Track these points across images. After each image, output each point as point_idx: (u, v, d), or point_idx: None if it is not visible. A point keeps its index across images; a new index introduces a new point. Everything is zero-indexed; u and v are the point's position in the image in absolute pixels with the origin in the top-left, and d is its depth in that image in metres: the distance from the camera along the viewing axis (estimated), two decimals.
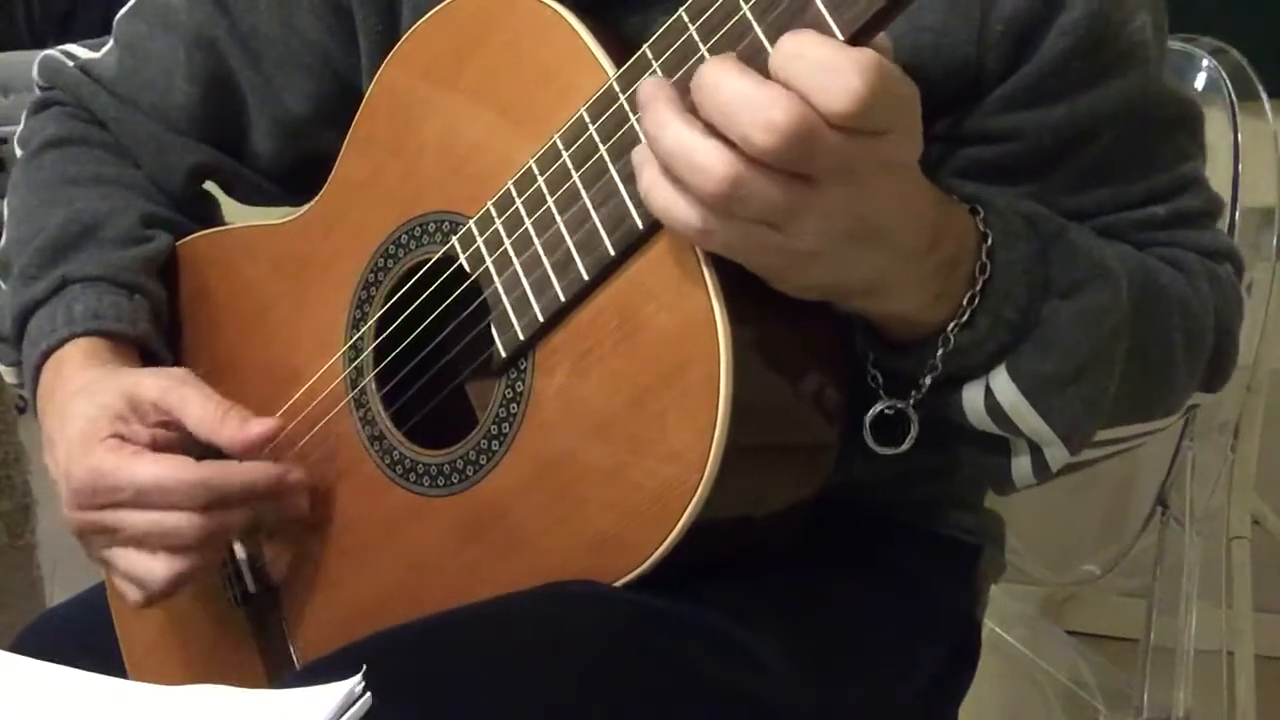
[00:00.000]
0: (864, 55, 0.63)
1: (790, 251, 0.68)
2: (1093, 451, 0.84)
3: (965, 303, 0.76)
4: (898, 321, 0.78)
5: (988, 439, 0.82)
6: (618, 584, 0.76)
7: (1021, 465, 0.84)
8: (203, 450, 0.88)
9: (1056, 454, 0.82)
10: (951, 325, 0.76)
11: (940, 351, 0.77)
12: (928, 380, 0.78)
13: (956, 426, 0.82)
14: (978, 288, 0.76)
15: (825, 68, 0.63)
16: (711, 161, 0.65)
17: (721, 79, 0.65)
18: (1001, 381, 0.79)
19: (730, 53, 0.67)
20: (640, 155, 0.69)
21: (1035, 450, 0.82)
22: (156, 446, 0.87)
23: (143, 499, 0.85)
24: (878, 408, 0.80)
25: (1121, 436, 0.86)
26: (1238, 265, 0.91)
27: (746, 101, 0.64)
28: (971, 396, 0.80)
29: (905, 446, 0.80)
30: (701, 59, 0.69)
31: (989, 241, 0.76)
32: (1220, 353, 0.88)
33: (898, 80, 0.65)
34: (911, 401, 0.79)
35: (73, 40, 1.10)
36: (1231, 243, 0.93)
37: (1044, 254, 0.78)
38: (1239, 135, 1.27)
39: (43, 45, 1.12)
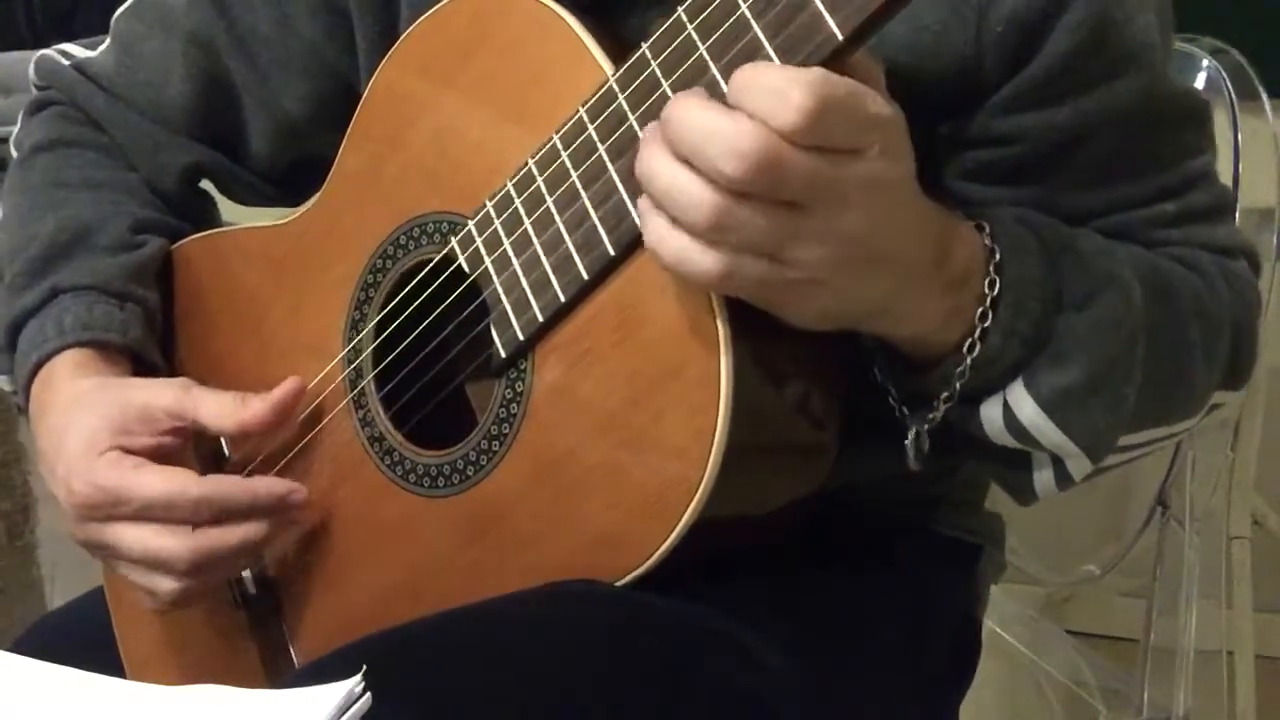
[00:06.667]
0: (809, 72, 0.63)
1: (794, 282, 0.68)
2: (1116, 457, 0.83)
3: (978, 319, 0.76)
4: (911, 343, 0.77)
5: (1009, 453, 0.82)
6: (619, 583, 0.76)
7: (1044, 478, 0.83)
8: (205, 465, 0.88)
9: (1079, 465, 0.81)
10: (966, 344, 0.76)
11: (957, 370, 0.76)
12: (942, 405, 0.78)
13: (977, 441, 0.81)
14: (988, 304, 0.75)
15: (771, 90, 0.63)
16: (695, 192, 0.65)
17: (685, 114, 0.66)
18: (1019, 397, 0.78)
19: (697, 87, 0.68)
20: (643, 210, 0.69)
21: (1057, 462, 0.82)
22: (160, 456, 0.87)
23: (145, 513, 0.84)
24: (911, 432, 0.80)
25: (1144, 441, 0.85)
26: (1254, 260, 0.90)
27: (712, 134, 0.64)
28: (990, 413, 0.79)
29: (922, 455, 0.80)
30: (702, 59, 0.69)
31: (997, 257, 0.76)
32: (1239, 351, 0.87)
33: (859, 96, 0.65)
34: (928, 425, 0.79)
35: (73, 40, 1.10)
36: (1246, 238, 0.92)
37: (1054, 266, 0.78)
38: (1239, 135, 1.26)
39: (43, 45, 1.12)
